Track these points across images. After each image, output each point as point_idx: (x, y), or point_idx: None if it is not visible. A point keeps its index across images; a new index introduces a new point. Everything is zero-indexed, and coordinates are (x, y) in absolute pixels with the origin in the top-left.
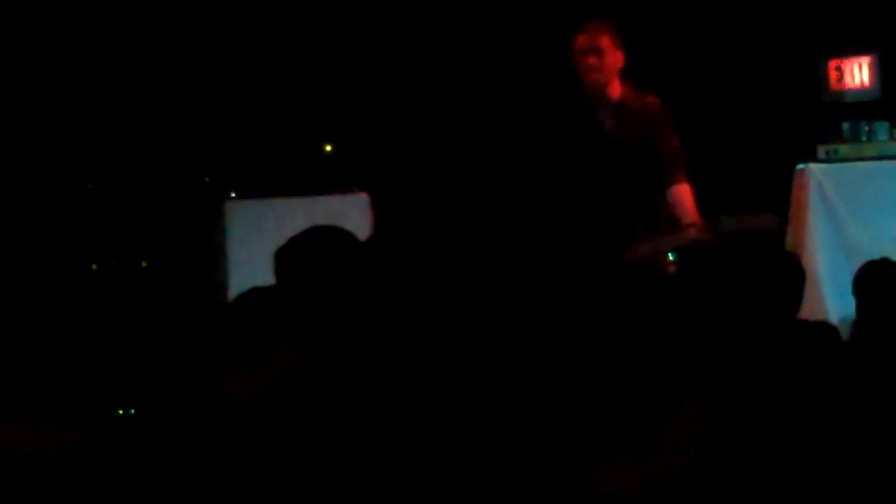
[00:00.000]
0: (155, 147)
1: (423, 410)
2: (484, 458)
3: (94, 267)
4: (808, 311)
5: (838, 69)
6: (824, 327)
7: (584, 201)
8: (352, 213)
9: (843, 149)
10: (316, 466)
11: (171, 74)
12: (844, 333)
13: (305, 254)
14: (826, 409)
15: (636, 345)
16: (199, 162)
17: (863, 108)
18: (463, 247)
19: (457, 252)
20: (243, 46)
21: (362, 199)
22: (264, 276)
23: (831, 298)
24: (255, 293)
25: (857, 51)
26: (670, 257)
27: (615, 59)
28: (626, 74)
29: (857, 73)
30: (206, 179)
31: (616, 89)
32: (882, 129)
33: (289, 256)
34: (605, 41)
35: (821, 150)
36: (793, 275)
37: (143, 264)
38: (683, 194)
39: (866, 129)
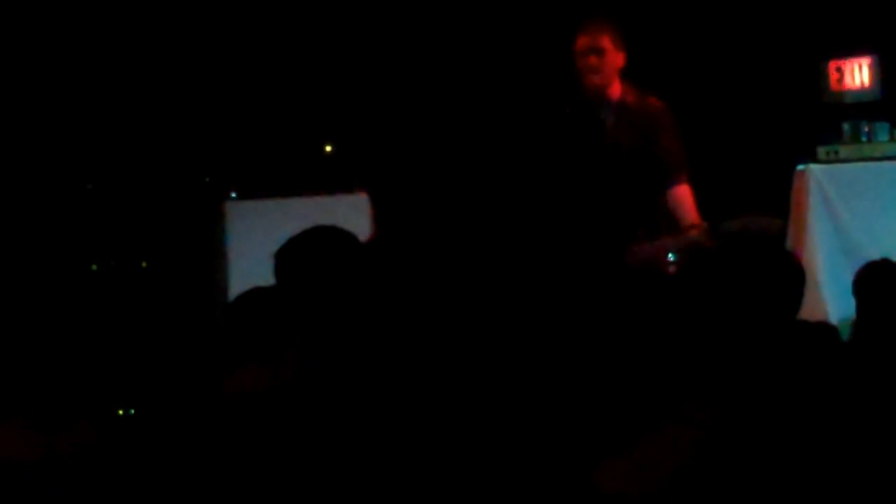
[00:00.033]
0: (155, 147)
1: (424, 410)
2: (485, 457)
3: (94, 267)
4: (807, 312)
5: (838, 70)
6: (824, 328)
7: (585, 202)
8: (352, 213)
9: (844, 150)
10: (316, 466)
11: (171, 75)
12: (844, 334)
13: (305, 254)
14: (826, 409)
15: (636, 345)
16: (199, 162)
17: (863, 108)
18: (463, 247)
19: (457, 252)
20: (243, 47)
21: (362, 199)
22: (264, 276)
23: (831, 299)
24: (255, 293)
25: (857, 52)
26: (671, 258)
27: (616, 59)
28: (627, 75)
29: (858, 73)
30: (207, 180)
31: (617, 90)
32: (882, 130)
33: (289, 257)
34: (607, 41)
35: (821, 151)
36: (793, 275)
37: (143, 265)
38: (684, 196)
39: (866, 129)
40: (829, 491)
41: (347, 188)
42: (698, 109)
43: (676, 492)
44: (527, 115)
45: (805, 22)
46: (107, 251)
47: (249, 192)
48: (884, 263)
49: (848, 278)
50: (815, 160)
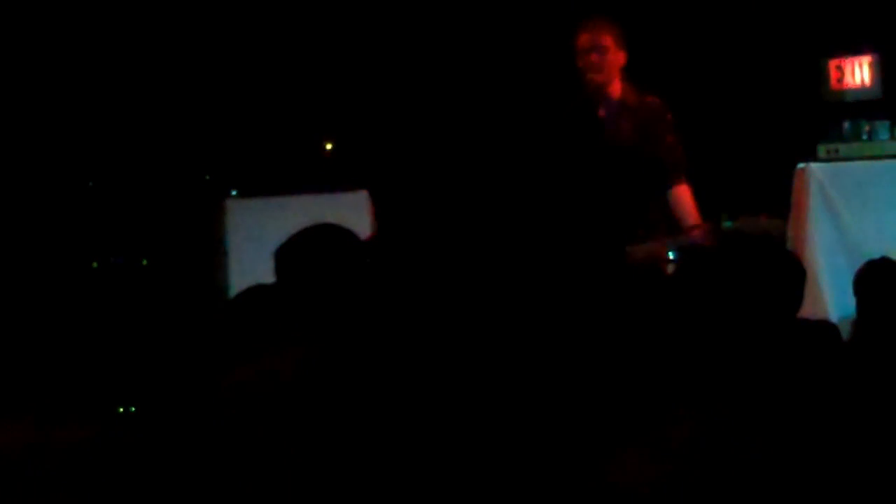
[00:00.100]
0: (156, 145)
1: (425, 409)
2: (485, 457)
3: (95, 265)
4: (808, 310)
5: (839, 68)
6: (825, 326)
7: (584, 200)
8: (352, 211)
9: (844, 148)
10: (316, 466)
11: (171, 73)
12: (845, 332)
13: (306, 252)
14: (826, 408)
15: (637, 344)
16: (199, 160)
17: (863, 107)
18: (463, 245)
19: (457, 250)
20: (244, 45)
21: (363, 197)
22: (265, 274)
23: (832, 297)
24: (255, 291)
25: (857, 50)
26: (671, 256)
27: (617, 57)
28: (627, 74)
29: (858, 72)
30: (207, 177)
31: (617, 88)
32: (883, 129)
33: (289, 254)
34: (608, 39)
35: (821, 150)
36: (793, 273)
37: (144, 262)
38: (683, 195)
39: (867, 128)
40: (829, 490)
41: (348, 186)
42: (699, 108)
43: (676, 492)
44: (527, 113)
45: (806, 20)
46: (107, 249)
47: (250, 190)
48: (884, 262)
49: (848, 277)
50: (816, 159)
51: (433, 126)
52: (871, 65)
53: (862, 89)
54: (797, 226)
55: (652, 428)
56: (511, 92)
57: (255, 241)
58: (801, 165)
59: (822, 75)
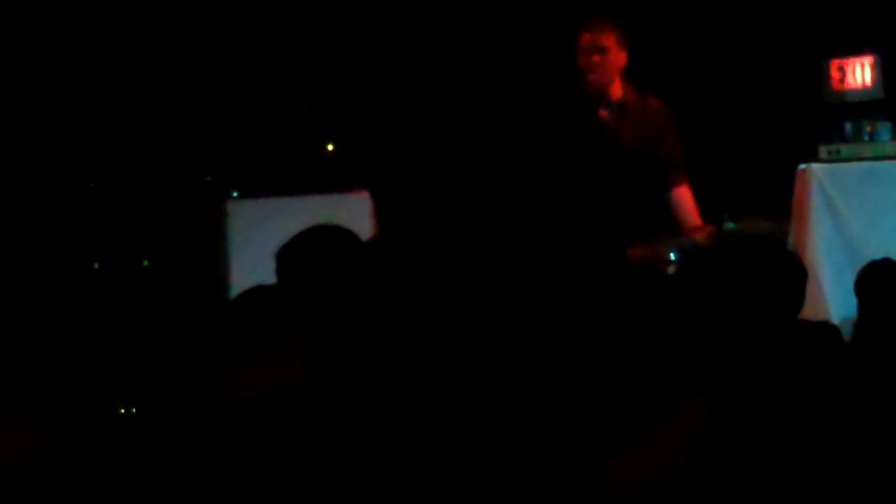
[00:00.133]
0: (157, 146)
1: (426, 409)
2: (486, 457)
3: (96, 266)
4: (809, 311)
5: (840, 69)
6: (826, 327)
7: (585, 201)
8: (354, 212)
9: (845, 149)
10: (316, 466)
11: (172, 74)
12: (846, 334)
13: (307, 253)
14: (827, 408)
15: (637, 345)
16: (200, 161)
17: (865, 108)
18: (464, 245)
19: (458, 251)
20: (245, 45)
21: (364, 198)
22: (266, 275)
23: (833, 298)
24: (256, 292)
25: (859, 51)
26: (672, 257)
27: (619, 58)
28: (628, 74)
29: (860, 73)
30: (208, 178)
31: (618, 89)
32: (884, 130)
33: (290, 255)
34: (610, 40)
35: (822, 151)
36: (794, 274)
37: (145, 263)
38: (684, 197)
39: (868, 129)
40: (830, 490)
41: (349, 187)
42: (699, 109)
43: (677, 491)
44: (528, 114)
45: (807, 21)
46: (108, 250)
47: (251, 191)
48: (885, 263)
49: (850, 278)
50: (817, 160)
51: (434, 127)
52: (872, 65)
53: (863, 90)
54: (798, 227)
55: (652, 428)
56: (512, 93)
57: (257, 242)
58: (802, 166)
59: (824, 76)
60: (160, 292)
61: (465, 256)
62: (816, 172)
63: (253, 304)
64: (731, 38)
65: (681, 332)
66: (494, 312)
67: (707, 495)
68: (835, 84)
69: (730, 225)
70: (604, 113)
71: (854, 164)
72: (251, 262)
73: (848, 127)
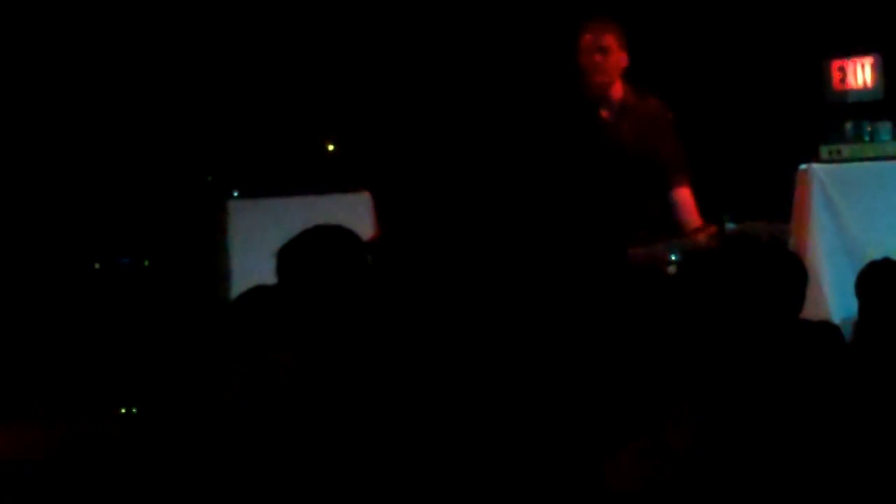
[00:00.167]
0: (158, 146)
1: (426, 410)
2: (486, 457)
3: (97, 266)
4: (810, 311)
5: (841, 69)
6: (827, 327)
7: (585, 202)
8: (354, 212)
9: (846, 149)
10: (317, 466)
11: (173, 73)
12: (847, 333)
13: (308, 253)
14: (828, 409)
15: (638, 346)
16: (201, 161)
17: (865, 108)
18: (465, 246)
19: (459, 251)
20: (246, 45)
21: (365, 198)
22: (267, 275)
23: (834, 298)
24: (257, 292)
25: (859, 51)
26: (672, 258)
27: (619, 59)
28: (629, 74)
29: (860, 73)
30: (209, 178)
31: (618, 89)
32: (885, 130)
33: (291, 255)
34: (611, 40)
35: (823, 151)
36: (795, 275)
37: (146, 263)
38: (685, 197)
39: (869, 129)
40: (831, 490)
41: (350, 187)
42: (700, 109)
43: (677, 491)
44: (528, 114)
45: (807, 21)
46: (110, 250)
47: (252, 191)
48: (886, 263)
49: (850, 278)
50: (818, 160)
51: (435, 127)
52: (873, 66)
53: (864, 90)
54: (799, 227)
55: (652, 429)
56: (512, 93)
57: (257, 242)
58: (803, 166)
59: (824, 76)
60: (161, 292)
61: (465, 257)
62: (817, 173)
63: (253, 304)
64: (731, 38)
65: (681, 333)
66: (495, 313)
67: (707, 495)
68: (835, 84)
69: (730, 225)
70: (605, 113)
71: (855, 165)
72: (252, 262)
73: (849, 127)
